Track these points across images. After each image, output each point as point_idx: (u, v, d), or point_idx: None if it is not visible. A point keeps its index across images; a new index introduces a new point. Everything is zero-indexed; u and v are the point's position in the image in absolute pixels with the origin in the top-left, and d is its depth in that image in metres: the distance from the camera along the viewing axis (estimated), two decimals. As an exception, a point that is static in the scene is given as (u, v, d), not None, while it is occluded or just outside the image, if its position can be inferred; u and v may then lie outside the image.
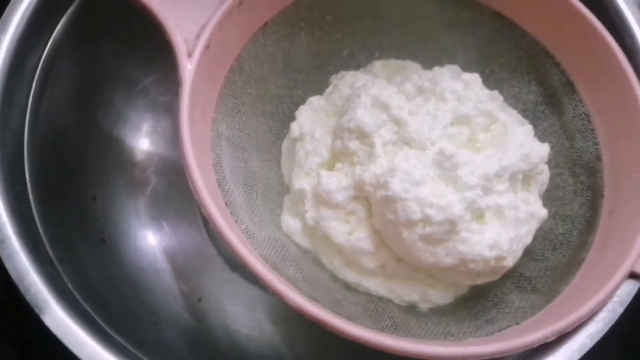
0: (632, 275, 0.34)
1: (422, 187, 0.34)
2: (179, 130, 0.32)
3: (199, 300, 0.46)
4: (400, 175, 0.34)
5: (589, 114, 0.40)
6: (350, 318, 0.33)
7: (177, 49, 0.34)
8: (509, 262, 0.36)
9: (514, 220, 0.36)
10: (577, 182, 0.40)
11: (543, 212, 0.38)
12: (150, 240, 0.47)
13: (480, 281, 0.37)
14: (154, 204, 0.49)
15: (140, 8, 0.36)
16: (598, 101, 0.39)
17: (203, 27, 0.35)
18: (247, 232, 0.34)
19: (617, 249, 0.34)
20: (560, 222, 0.40)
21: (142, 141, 0.49)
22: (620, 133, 0.38)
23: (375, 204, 0.36)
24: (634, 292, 0.34)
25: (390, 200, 0.34)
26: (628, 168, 0.37)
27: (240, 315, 0.47)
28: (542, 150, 0.38)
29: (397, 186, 0.34)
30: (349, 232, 0.37)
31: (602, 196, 0.38)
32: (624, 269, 0.33)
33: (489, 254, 0.34)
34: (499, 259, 0.35)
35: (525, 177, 0.38)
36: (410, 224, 0.33)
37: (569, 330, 0.32)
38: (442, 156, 0.35)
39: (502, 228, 0.35)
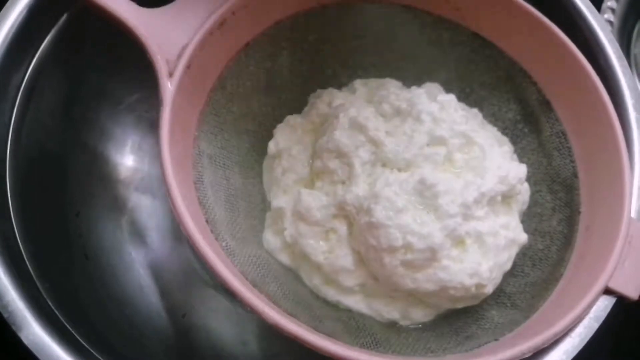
0: (607, 292, 0.34)
1: (404, 215, 0.35)
2: (159, 150, 0.33)
3: (183, 316, 0.46)
4: (384, 202, 0.35)
5: (565, 133, 0.40)
6: (330, 335, 0.33)
7: (158, 69, 0.35)
8: (489, 289, 0.36)
9: (494, 248, 0.36)
10: (555, 198, 0.40)
11: (523, 238, 0.39)
12: (134, 256, 0.47)
13: (460, 305, 0.37)
14: (138, 220, 0.49)
15: (122, 28, 0.36)
16: (574, 120, 0.40)
17: (184, 47, 0.36)
18: (227, 249, 0.35)
19: (593, 265, 0.35)
20: (539, 238, 0.40)
21: (127, 157, 0.50)
22: (595, 151, 0.39)
23: (357, 227, 0.36)
24: (609, 308, 0.34)
25: (373, 227, 0.34)
26: (603, 185, 0.38)
27: (224, 331, 0.47)
28: (520, 171, 0.39)
29: (380, 213, 0.34)
30: (329, 250, 0.37)
31: (579, 213, 0.39)
32: (599, 286, 0.33)
33: (469, 281, 0.35)
34: (479, 286, 0.35)
35: (504, 198, 0.38)
36: (392, 250, 0.34)
37: (545, 346, 0.32)
38: (422, 185, 0.35)
39: (482, 256, 0.36)
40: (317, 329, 0.33)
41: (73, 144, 0.46)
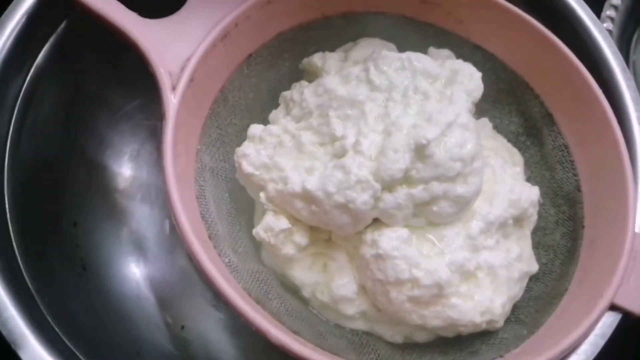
0: (613, 308, 0.34)
1: (410, 246, 0.34)
2: (162, 165, 0.32)
3: (182, 328, 0.46)
4: (389, 233, 0.34)
5: (568, 146, 0.40)
6: (334, 352, 0.33)
7: (161, 82, 0.34)
8: (501, 323, 0.36)
9: (506, 281, 0.36)
10: (559, 212, 0.40)
11: (535, 268, 0.38)
12: (132, 267, 0.47)
13: (466, 333, 0.36)
14: (136, 230, 0.48)
15: (124, 40, 0.36)
16: (577, 133, 0.40)
17: (187, 60, 0.35)
18: (230, 265, 0.34)
19: (598, 281, 0.35)
20: (542, 252, 0.40)
21: (126, 166, 0.49)
22: (598, 164, 0.38)
23: (361, 260, 0.35)
24: (615, 324, 0.34)
25: (380, 258, 0.33)
26: (606, 199, 0.37)
27: (223, 343, 0.46)
28: (532, 194, 0.38)
29: (386, 244, 0.33)
30: (326, 280, 0.36)
31: (583, 227, 0.38)
32: (604, 302, 0.33)
33: (480, 319, 0.34)
34: (491, 322, 0.35)
35: (516, 221, 0.38)
36: (398, 283, 0.33)
37: (551, 364, 0.32)
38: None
39: (494, 291, 0.35)
40: (320, 345, 0.33)
41: (71, 153, 0.46)
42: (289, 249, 0.35)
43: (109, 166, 0.49)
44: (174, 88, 0.34)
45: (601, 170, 0.38)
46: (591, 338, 0.33)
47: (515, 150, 0.42)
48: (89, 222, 0.45)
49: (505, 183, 0.38)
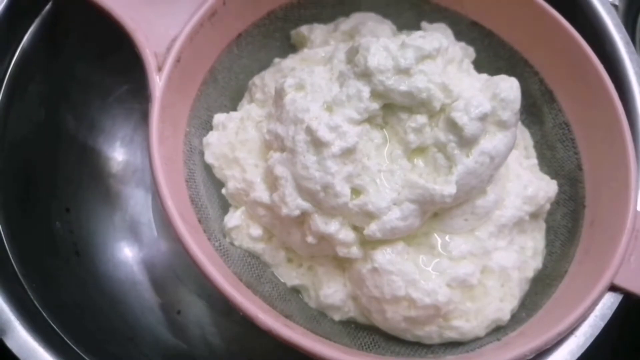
0: (613, 288, 0.33)
1: (407, 260, 0.32)
2: (148, 148, 0.31)
3: (178, 313, 0.45)
4: (384, 245, 0.32)
5: (568, 123, 0.39)
6: (327, 336, 0.32)
7: (146, 63, 0.33)
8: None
9: (519, 283, 0.35)
10: (560, 192, 0.39)
11: (540, 264, 0.37)
12: (127, 252, 0.46)
13: None
14: (130, 214, 0.48)
15: (110, 20, 0.35)
16: (577, 110, 0.39)
17: (173, 40, 0.34)
18: (220, 249, 0.34)
19: (597, 261, 0.34)
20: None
21: (118, 151, 0.48)
22: (600, 142, 0.37)
23: (356, 275, 0.34)
24: (615, 306, 0.33)
25: (376, 273, 0.32)
26: (607, 177, 0.36)
27: (221, 327, 0.46)
28: (550, 189, 0.37)
29: (381, 257, 0.32)
30: (313, 283, 0.35)
31: (584, 207, 0.37)
32: (604, 282, 0.32)
33: (486, 331, 0.33)
34: (497, 328, 0.34)
35: (532, 215, 0.37)
36: (395, 301, 0.32)
37: (548, 347, 0.31)
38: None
39: (504, 297, 0.34)
40: (314, 330, 0.32)
41: (62, 139, 0.45)
42: (246, 243, 0.34)
43: (102, 151, 0.48)
44: (159, 69, 0.33)
45: (602, 148, 0.37)
46: (591, 319, 0.33)
47: (524, 129, 0.41)
48: (82, 207, 0.45)
49: (520, 179, 0.36)
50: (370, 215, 0.31)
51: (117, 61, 0.45)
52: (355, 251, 0.32)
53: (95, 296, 0.42)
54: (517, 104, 0.35)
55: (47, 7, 0.40)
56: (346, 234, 0.31)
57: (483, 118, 0.33)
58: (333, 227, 0.31)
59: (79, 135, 0.46)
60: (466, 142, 0.32)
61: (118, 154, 0.48)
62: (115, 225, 0.46)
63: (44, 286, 0.37)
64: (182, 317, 0.45)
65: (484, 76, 0.38)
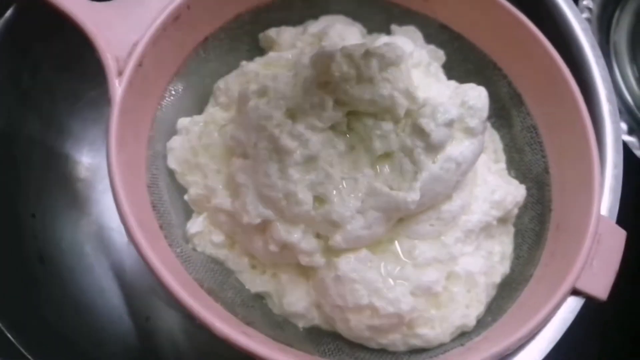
0: (575, 292, 0.33)
1: (370, 268, 0.32)
2: (107, 153, 0.31)
3: (147, 319, 0.45)
4: (347, 253, 0.32)
5: (536, 127, 0.39)
6: (289, 343, 0.32)
7: (107, 67, 0.33)
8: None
9: (485, 288, 0.34)
10: (528, 195, 0.39)
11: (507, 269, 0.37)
12: (94, 257, 0.46)
13: None
14: (99, 220, 0.47)
15: (71, 24, 0.35)
16: (545, 114, 0.39)
17: (135, 44, 0.34)
18: (182, 255, 0.33)
19: (561, 265, 0.34)
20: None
21: (87, 155, 0.48)
22: (565, 145, 0.37)
23: (320, 282, 0.33)
24: (577, 310, 0.33)
25: (339, 282, 0.31)
26: (572, 181, 0.36)
27: (190, 334, 0.45)
28: (518, 194, 0.37)
29: (345, 265, 0.32)
30: (279, 293, 0.34)
31: (550, 210, 0.37)
32: (565, 287, 0.32)
33: (451, 337, 0.33)
34: (463, 333, 0.34)
35: (500, 220, 0.37)
36: (358, 309, 0.31)
37: (509, 352, 0.31)
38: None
39: (470, 303, 0.34)
40: (276, 337, 0.32)
41: (29, 142, 0.45)
42: (209, 249, 0.34)
43: (70, 155, 0.47)
44: (120, 73, 0.33)
45: (568, 152, 0.37)
46: (553, 324, 0.33)
47: (493, 132, 0.41)
48: (48, 213, 0.44)
49: (488, 183, 0.36)
50: (334, 224, 0.31)
51: (86, 65, 0.45)
52: (318, 260, 0.32)
53: (60, 304, 0.41)
54: (485, 113, 0.35)
55: (9, 12, 0.40)
56: (308, 243, 0.31)
57: (450, 124, 0.33)
58: (295, 235, 0.31)
59: (46, 140, 0.46)
60: (432, 148, 0.33)
61: (87, 158, 0.48)
62: (82, 231, 0.46)
63: (4, 295, 0.36)
64: (151, 324, 0.45)
65: (453, 83, 0.38)
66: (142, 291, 0.46)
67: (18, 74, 0.42)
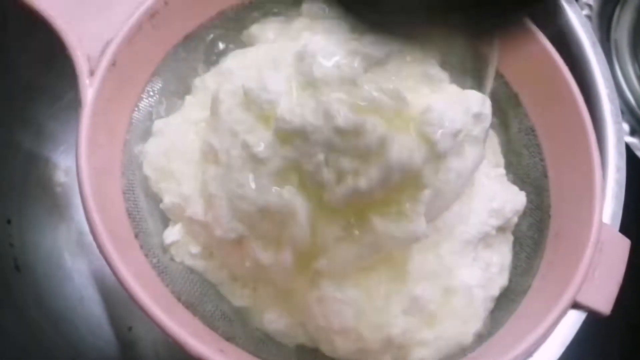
0: (576, 306, 0.31)
1: (357, 287, 0.29)
2: (76, 157, 0.29)
3: (130, 329, 0.43)
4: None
5: (534, 128, 0.37)
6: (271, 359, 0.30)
7: (77, 66, 0.31)
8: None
9: (483, 302, 0.33)
10: (527, 201, 0.37)
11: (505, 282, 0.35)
12: (74, 265, 0.44)
13: None
14: (79, 226, 0.45)
15: (41, 20, 0.33)
16: (542, 115, 0.37)
17: (108, 42, 0.32)
18: (158, 266, 0.31)
19: (560, 276, 0.32)
20: (509, 245, 0.37)
21: (67, 159, 0.46)
22: (565, 148, 0.35)
23: (301, 301, 0.31)
24: (578, 325, 0.31)
25: (322, 302, 0.29)
26: (572, 186, 0.35)
27: (174, 344, 0.44)
28: (518, 202, 0.35)
29: (328, 284, 0.29)
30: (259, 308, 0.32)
31: (549, 217, 0.36)
32: (565, 300, 0.30)
33: (445, 355, 0.31)
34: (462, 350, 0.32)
35: (499, 229, 0.35)
36: (344, 331, 0.29)
37: (505, 371, 0.29)
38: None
39: (468, 319, 0.32)
40: (258, 353, 0.30)
41: (5, 145, 0.43)
42: (187, 260, 0.32)
43: (50, 159, 0.46)
44: (92, 73, 0.31)
45: (567, 155, 0.35)
46: (553, 340, 0.31)
47: (492, 134, 0.39)
48: (24, 218, 0.43)
49: (486, 190, 0.34)
50: (314, 245, 0.29)
51: (65, 64, 0.43)
52: (295, 284, 0.29)
53: (37, 315, 0.40)
54: (488, 122, 0.33)
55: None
56: (285, 264, 0.29)
57: (456, 134, 0.31)
58: (269, 254, 0.29)
59: (24, 142, 0.44)
60: (436, 159, 0.30)
61: (66, 162, 0.46)
62: (61, 237, 0.44)
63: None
64: (133, 334, 0.43)
65: (454, 88, 0.36)
66: (125, 300, 0.44)
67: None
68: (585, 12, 0.50)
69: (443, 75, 0.36)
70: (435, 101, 0.32)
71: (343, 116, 0.27)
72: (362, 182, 0.27)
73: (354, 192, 0.27)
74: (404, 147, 0.28)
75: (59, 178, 0.46)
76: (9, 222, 0.41)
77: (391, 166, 0.27)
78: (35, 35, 0.41)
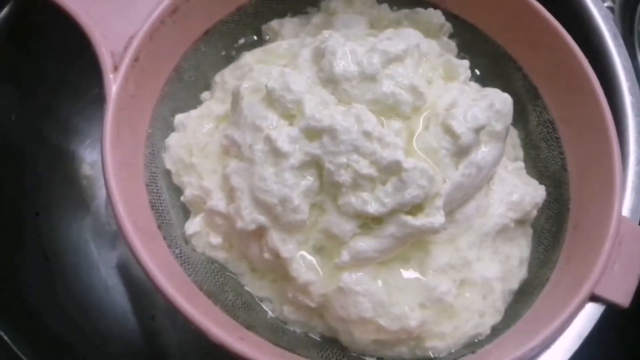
0: (594, 298, 0.31)
1: (375, 280, 0.30)
2: (101, 151, 0.30)
3: (152, 318, 0.44)
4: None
5: (553, 121, 0.37)
6: (291, 348, 0.31)
7: (102, 62, 0.32)
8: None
9: (502, 295, 0.33)
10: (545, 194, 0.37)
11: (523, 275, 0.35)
12: (100, 255, 0.45)
13: None
14: (105, 217, 0.46)
15: (67, 16, 0.34)
16: (562, 108, 0.37)
17: (131, 38, 0.33)
18: (181, 256, 0.32)
19: (579, 269, 0.32)
20: (527, 237, 0.37)
21: (93, 153, 0.47)
22: (585, 141, 0.35)
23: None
24: (596, 318, 0.31)
25: (342, 293, 0.30)
26: (592, 179, 0.34)
27: (196, 334, 0.44)
28: (537, 195, 0.35)
29: (348, 276, 0.30)
30: (280, 298, 0.32)
31: (568, 210, 0.36)
32: (583, 293, 0.30)
33: (462, 347, 0.31)
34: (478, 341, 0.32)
35: (518, 222, 0.35)
36: (362, 323, 0.30)
37: (522, 363, 0.29)
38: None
39: (486, 311, 0.32)
40: (277, 341, 0.31)
41: (34, 140, 0.44)
42: (208, 251, 0.33)
43: (76, 153, 0.47)
44: (116, 68, 0.32)
45: (587, 148, 0.35)
46: (571, 332, 0.31)
47: (511, 128, 0.39)
48: (53, 210, 0.44)
49: (505, 183, 0.34)
50: (333, 237, 0.29)
51: (90, 61, 0.44)
52: (313, 279, 0.30)
53: (65, 303, 0.41)
54: (510, 119, 0.34)
55: (8, 7, 0.39)
56: (304, 260, 0.29)
57: (479, 130, 0.31)
58: (290, 247, 0.29)
59: (51, 137, 0.45)
60: (459, 152, 0.31)
61: (92, 156, 0.47)
62: (87, 229, 0.45)
63: (8, 293, 0.36)
64: (156, 323, 0.44)
65: (475, 85, 0.36)
66: (148, 290, 0.45)
67: (22, 69, 0.42)
68: (608, 4, 0.49)
69: (462, 71, 0.36)
70: (460, 97, 0.32)
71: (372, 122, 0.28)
72: (371, 208, 0.29)
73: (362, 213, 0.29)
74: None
75: (85, 171, 0.47)
76: (37, 214, 0.43)
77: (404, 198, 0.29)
78: (61, 33, 0.42)
